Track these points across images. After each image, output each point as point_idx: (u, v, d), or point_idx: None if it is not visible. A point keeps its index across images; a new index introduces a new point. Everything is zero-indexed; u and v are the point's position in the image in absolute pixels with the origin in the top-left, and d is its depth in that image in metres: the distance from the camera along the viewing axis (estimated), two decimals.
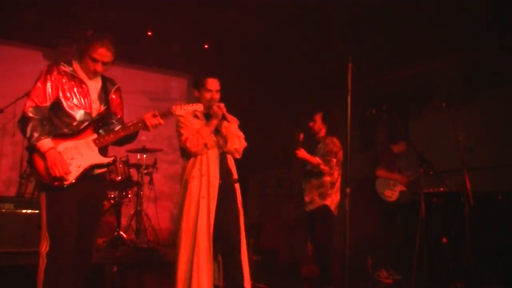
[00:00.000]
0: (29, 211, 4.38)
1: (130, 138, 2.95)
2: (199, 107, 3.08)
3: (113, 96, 2.95)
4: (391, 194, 5.60)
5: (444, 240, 4.44)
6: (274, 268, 5.65)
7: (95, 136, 2.75)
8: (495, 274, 4.28)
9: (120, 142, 2.97)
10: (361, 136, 6.86)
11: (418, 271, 3.86)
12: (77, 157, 2.67)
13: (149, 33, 6.44)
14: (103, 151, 2.81)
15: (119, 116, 2.99)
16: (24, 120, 2.64)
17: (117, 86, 3.01)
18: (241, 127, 3.64)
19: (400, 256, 5.54)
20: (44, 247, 2.60)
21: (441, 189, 4.70)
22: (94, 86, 2.86)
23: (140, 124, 2.83)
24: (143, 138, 6.34)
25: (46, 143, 2.60)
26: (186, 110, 3.00)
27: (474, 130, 5.32)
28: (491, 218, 4.40)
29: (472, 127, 5.29)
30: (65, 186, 2.61)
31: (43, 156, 2.60)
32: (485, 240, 4.30)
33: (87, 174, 2.70)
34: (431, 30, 5.63)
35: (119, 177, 5.49)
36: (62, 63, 2.80)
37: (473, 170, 4.32)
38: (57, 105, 2.73)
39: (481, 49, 5.61)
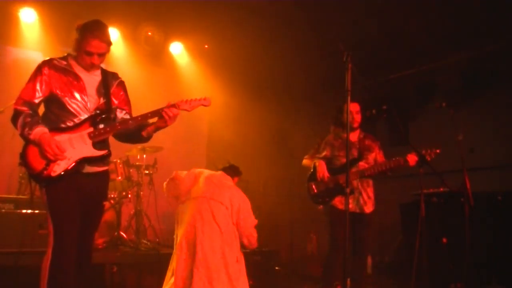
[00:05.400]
0: (29, 211, 4.37)
1: (138, 136, 2.87)
2: (207, 102, 2.93)
3: (115, 90, 2.88)
4: None
5: (444, 240, 4.43)
6: (274, 268, 5.65)
7: (91, 129, 2.69)
8: (495, 274, 4.27)
9: (126, 138, 2.94)
10: None
11: (418, 271, 3.86)
12: (69, 149, 2.61)
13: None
14: (101, 145, 2.74)
15: (126, 111, 2.93)
16: (15, 116, 2.63)
17: (120, 80, 2.94)
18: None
19: (400, 257, 5.54)
20: (51, 244, 2.57)
21: (441, 189, 4.70)
22: (92, 79, 2.80)
23: (149, 114, 2.76)
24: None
25: (38, 131, 2.56)
26: (192, 105, 2.87)
27: (474, 130, 5.32)
28: (491, 218, 4.40)
29: (472, 127, 5.29)
30: (53, 177, 2.55)
31: (37, 144, 2.55)
32: (485, 240, 4.30)
33: (77, 168, 2.63)
34: (431, 30, 5.62)
35: (119, 177, 5.50)
36: (56, 58, 2.76)
37: (473, 170, 4.31)
38: (51, 100, 2.69)
39: (481, 49, 5.61)
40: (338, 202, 4.04)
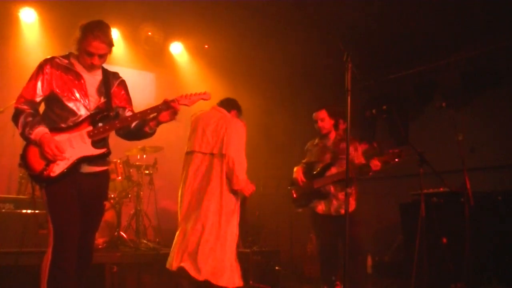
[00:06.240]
0: (29, 211, 4.37)
1: (142, 132, 2.89)
2: (207, 96, 2.95)
3: (116, 90, 2.88)
4: None
5: (444, 240, 4.43)
6: (274, 268, 5.65)
7: (90, 128, 2.68)
8: (495, 274, 4.27)
9: (131, 135, 2.96)
10: (361, 136, 6.86)
11: (418, 271, 3.86)
12: (68, 149, 2.61)
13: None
14: (100, 144, 2.74)
15: (128, 109, 2.93)
16: (16, 115, 2.62)
17: (120, 79, 2.94)
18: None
19: (400, 256, 5.54)
20: (51, 244, 2.56)
21: (441, 189, 4.69)
22: (93, 79, 2.80)
23: (149, 111, 2.78)
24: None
25: (39, 131, 2.56)
26: (191, 100, 2.89)
27: (474, 130, 5.32)
28: (491, 218, 4.40)
29: (472, 127, 5.29)
30: (52, 177, 2.55)
31: (37, 144, 2.55)
32: (485, 240, 4.30)
33: (76, 167, 2.63)
34: (431, 30, 5.63)
35: (119, 177, 5.50)
36: (58, 57, 2.75)
37: (473, 170, 4.31)
38: (52, 99, 2.68)
39: (481, 49, 5.61)
40: (315, 206, 4.16)
